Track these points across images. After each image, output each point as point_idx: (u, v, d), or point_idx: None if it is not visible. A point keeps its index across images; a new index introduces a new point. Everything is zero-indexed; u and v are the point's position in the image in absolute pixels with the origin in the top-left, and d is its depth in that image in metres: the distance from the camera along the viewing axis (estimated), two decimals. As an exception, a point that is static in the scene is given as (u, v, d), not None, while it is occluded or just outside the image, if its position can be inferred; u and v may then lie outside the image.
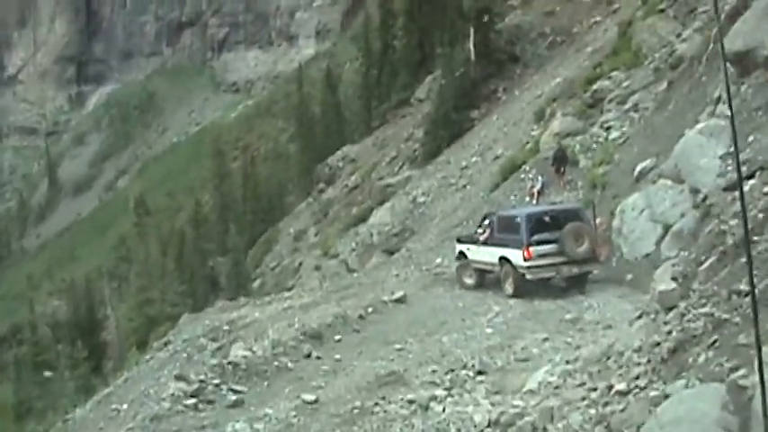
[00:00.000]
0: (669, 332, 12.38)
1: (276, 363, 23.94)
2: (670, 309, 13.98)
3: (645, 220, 30.12)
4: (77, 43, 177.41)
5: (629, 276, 28.75)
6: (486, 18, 63.07)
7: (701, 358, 11.40)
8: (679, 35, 46.26)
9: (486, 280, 31.83)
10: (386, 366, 22.42)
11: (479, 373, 20.47)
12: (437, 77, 66.93)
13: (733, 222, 14.74)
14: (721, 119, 29.64)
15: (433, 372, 21.17)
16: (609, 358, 15.22)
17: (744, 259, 12.06)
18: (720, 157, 28.49)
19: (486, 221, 32.09)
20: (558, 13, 64.47)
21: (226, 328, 31.36)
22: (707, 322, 12.12)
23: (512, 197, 41.79)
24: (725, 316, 11.81)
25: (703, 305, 12.65)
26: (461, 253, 32.94)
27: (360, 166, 72.46)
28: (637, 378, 12.97)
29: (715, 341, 11.51)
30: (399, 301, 29.28)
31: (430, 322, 26.46)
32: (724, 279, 13.23)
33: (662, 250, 28.20)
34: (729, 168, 27.81)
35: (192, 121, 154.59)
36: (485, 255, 31.17)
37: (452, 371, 20.81)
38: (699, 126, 29.81)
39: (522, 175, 42.98)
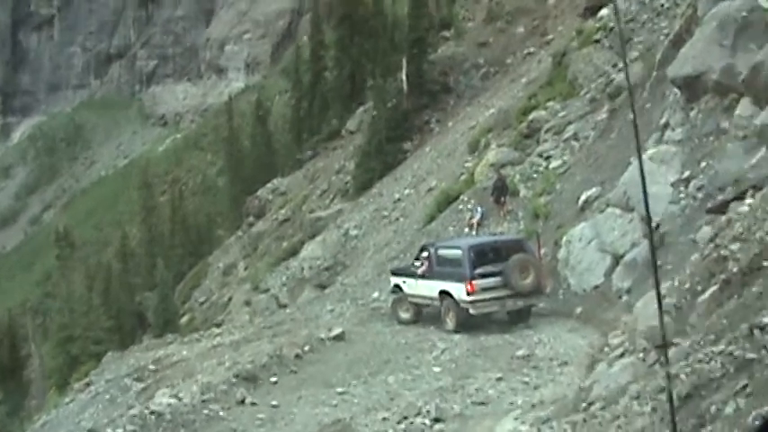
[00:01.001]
0: (676, 375, 10.43)
1: (206, 411, 21.71)
2: (660, 347, 12.06)
3: (593, 251, 28.57)
4: (3, 74, 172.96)
5: (579, 309, 27.12)
6: (418, 49, 61.74)
7: (729, 408, 9.43)
8: (615, 65, 45.66)
9: (422, 314, 30.13)
10: (329, 413, 20.47)
11: (436, 420, 18.47)
12: (369, 109, 66.02)
13: (734, 247, 12.91)
14: (671, 145, 28.12)
15: (384, 420, 19.24)
16: (590, 405, 13.28)
17: (756, 288, 10.30)
18: (672, 185, 27.02)
19: (425, 254, 30.14)
20: (492, 45, 63.66)
21: (152, 367, 29.52)
22: (726, 363, 10.20)
23: (450, 228, 40.09)
24: (750, 355, 9.89)
25: (714, 342, 10.72)
26: (397, 286, 31.32)
27: (290, 198, 70.76)
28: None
29: (745, 386, 9.55)
30: (338, 338, 27.27)
31: (372, 361, 24.54)
32: (735, 311, 11.38)
33: (613, 281, 26.59)
34: (682, 196, 26.34)
35: (119, 153, 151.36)
36: (423, 288, 29.53)
37: (405, 418, 18.81)
38: (648, 153, 28.29)
39: (461, 206, 41.33)
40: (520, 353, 23.28)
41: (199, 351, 30.66)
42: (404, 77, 62.15)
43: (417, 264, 30.46)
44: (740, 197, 14.40)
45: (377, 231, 49.84)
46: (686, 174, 26.76)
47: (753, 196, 14.03)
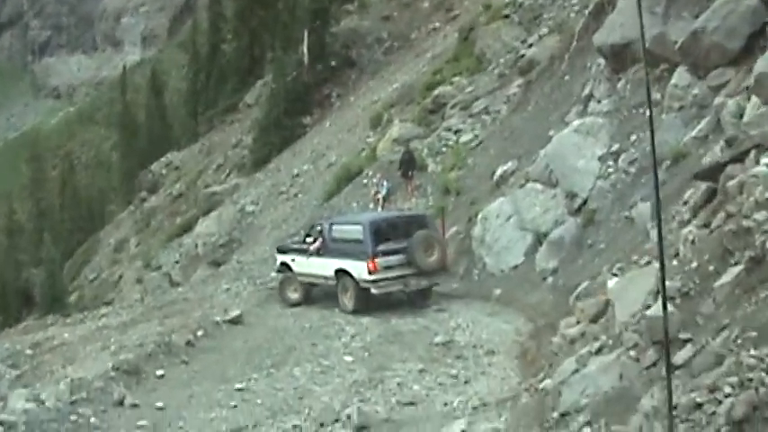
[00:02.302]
0: (714, 387, 7.73)
1: (73, 417, 17.93)
2: (661, 342, 9.33)
3: (512, 228, 26.08)
4: None
5: (498, 291, 24.53)
6: (320, 21, 59.04)
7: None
8: (524, 41, 43.91)
9: (312, 294, 27.46)
10: (228, 418, 17.18)
11: (361, 429, 15.41)
12: (268, 82, 63.69)
13: (760, 216, 10.19)
14: (599, 116, 25.63)
15: (296, 428, 16.15)
16: (564, 415, 10.56)
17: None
18: (599, 158, 24.60)
19: (318, 228, 27.42)
20: (396, 19, 61.57)
21: (29, 352, 25.74)
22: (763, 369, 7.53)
23: (354, 204, 37.48)
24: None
25: (740, 341, 7.96)
26: (284, 264, 28.48)
27: (185, 173, 68.06)
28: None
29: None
30: (234, 321, 23.95)
31: (275, 349, 21.37)
32: None
33: (537, 261, 24.08)
34: (611, 170, 23.93)
35: (10, 126, 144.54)
36: (316, 267, 26.77)
37: (322, 426, 15.69)
38: (574, 124, 25.94)
39: (365, 181, 38.58)
40: (438, 339, 20.55)
41: (82, 333, 27.34)
42: (305, 50, 59.72)
43: (309, 240, 27.63)
44: (738, 159, 11.84)
45: (274, 207, 47.45)
46: (615, 147, 24.45)
47: (758, 156, 11.47)
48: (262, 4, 68.52)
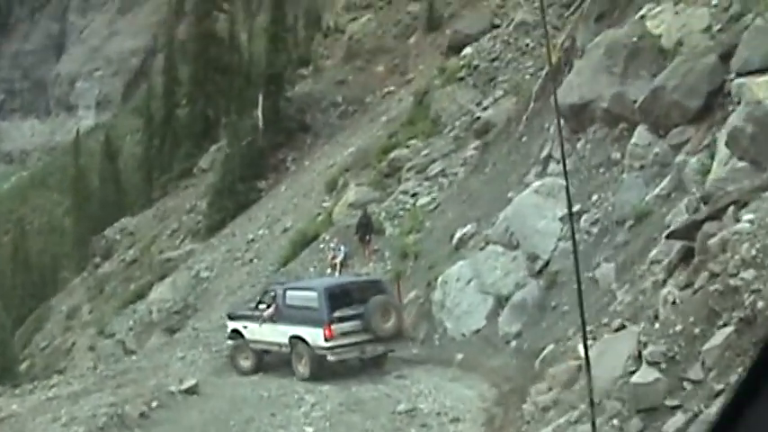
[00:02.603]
0: None
1: None
2: (647, 410, 8.76)
3: (473, 292, 25.61)
4: None
5: (459, 356, 23.97)
6: (275, 85, 59.01)
7: None
8: (479, 103, 44.35)
9: (264, 362, 26.79)
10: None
11: None
12: (222, 147, 62.86)
13: (748, 275, 9.70)
14: (559, 178, 25.30)
15: None
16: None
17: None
18: (560, 219, 24.23)
19: (272, 294, 26.90)
20: (351, 83, 61.35)
21: (-28, 426, 24.61)
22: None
23: (311, 269, 36.85)
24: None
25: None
26: (235, 331, 27.83)
27: (139, 238, 66.67)
28: None
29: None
30: (190, 391, 23.01)
31: (232, 420, 20.52)
32: None
33: (500, 325, 23.54)
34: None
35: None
36: (269, 333, 26.20)
37: None
38: (534, 185, 25.58)
39: (322, 245, 37.97)
40: (401, 407, 19.91)
41: (32, 404, 26.50)
42: (259, 114, 59.47)
43: (262, 307, 26.97)
44: (715, 216, 11.43)
45: (230, 273, 46.49)
46: (576, 207, 23.97)
47: (737, 213, 11.05)
48: (217, 68, 67.84)
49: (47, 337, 67.70)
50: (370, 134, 51.57)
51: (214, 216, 56.69)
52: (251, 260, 45.97)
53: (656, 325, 11.17)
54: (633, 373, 10.58)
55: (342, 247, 35.63)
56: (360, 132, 54.18)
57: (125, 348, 48.69)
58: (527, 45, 46.41)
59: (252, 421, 20.16)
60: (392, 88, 58.17)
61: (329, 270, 35.09)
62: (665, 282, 12.65)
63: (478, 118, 40.75)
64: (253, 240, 48.42)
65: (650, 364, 10.07)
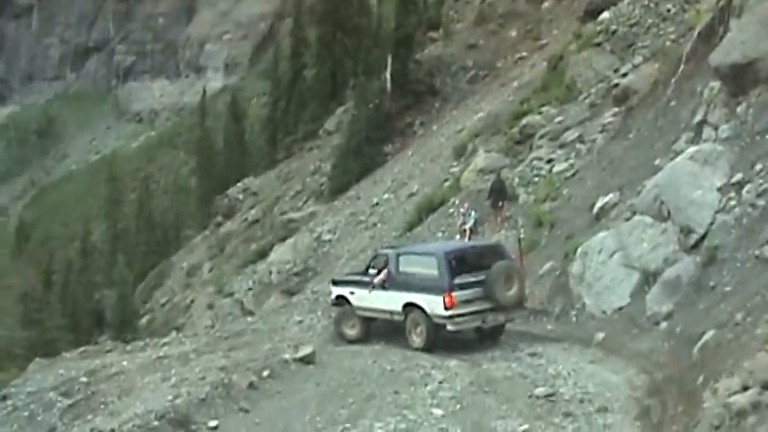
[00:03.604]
0: None
1: None
2: None
3: (616, 266, 23.22)
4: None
5: (600, 335, 21.59)
6: (404, 48, 57.50)
7: None
8: (617, 70, 41.05)
9: (371, 330, 24.96)
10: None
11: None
12: (349, 109, 61.65)
13: None
14: (718, 143, 22.66)
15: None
16: None
17: None
18: (719, 189, 21.61)
19: (383, 259, 25.04)
20: (482, 47, 59.15)
21: (84, 380, 23.37)
22: None
23: (438, 234, 34.71)
24: None
25: None
26: (341, 297, 25.89)
27: (261, 199, 65.96)
28: None
29: None
30: (306, 360, 20.92)
31: (351, 397, 18.32)
32: None
33: (647, 303, 21.02)
34: (732, 203, 20.91)
35: (92, 149, 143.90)
36: (380, 301, 24.22)
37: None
38: (689, 151, 22.95)
39: (451, 210, 35.94)
40: (539, 391, 17.64)
41: (142, 362, 24.79)
42: (388, 76, 57.91)
43: (372, 272, 25.02)
44: None
45: (352, 237, 45.27)
46: (737, 177, 21.42)
47: None
48: (345, 30, 66.39)
49: (167, 294, 67.75)
50: (501, 99, 49.40)
51: (338, 178, 55.64)
52: (374, 224, 44.75)
53: None
54: None
55: (472, 213, 33.44)
56: (490, 97, 52.07)
57: (243, 308, 48.13)
58: (668, 10, 43.53)
59: (372, 398, 18.12)
60: (524, 53, 55.87)
61: (458, 236, 32.97)
62: None
63: (616, 84, 38.19)
64: (377, 204, 47.14)
65: None
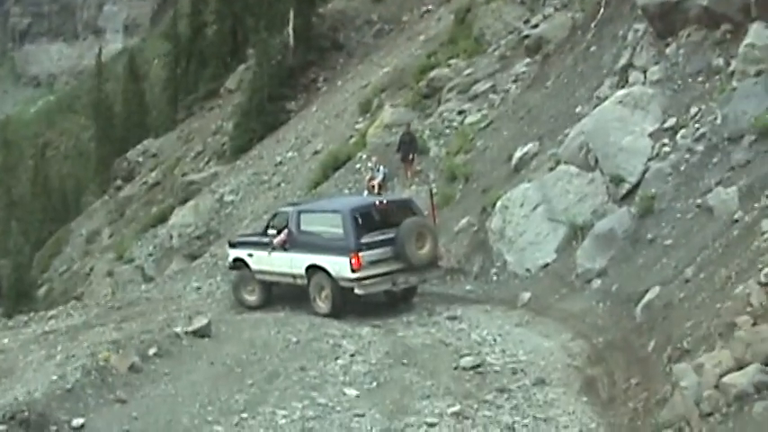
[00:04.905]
0: None
1: None
2: None
3: (540, 219, 21.21)
4: None
5: (526, 295, 19.49)
6: (307, 2, 54.85)
7: None
8: (527, 21, 39.46)
9: (274, 294, 22.84)
10: None
11: None
12: (251, 66, 58.63)
13: None
14: (648, 86, 20.63)
15: None
16: None
17: None
18: (651, 135, 19.61)
19: (283, 218, 22.84)
20: (387, 1, 56.50)
21: (-41, 360, 20.62)
22: None
23: (345, 191, 32.31)
24: None
25: None
26: (239, 260, 23.62)
27: (162, 161, 63.00)
28: None
29: None
30: (199, 333, 18.13)
31: (250, 377, 15.49)
32: None
33: (577, 260, 19.00)
34: (667, 149, 18.92)
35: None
36: (280, 263, 22.05)
37: None
38: (618, 95, 20.92)
39: (358, 165, 33.68)
40: (466, 361, 15.38)
41: (25, 339, 22.30)
42: (290, 31, 54.97)
43: (271, 232, 22.68)
44: None
45: (255, 197, 42.91)
46: (671, 122, 19.45)
47: None
48: (245, -16, 63.30)
49: (66, 262, 64.18)
50: (408, 54, 47.27)
51: (240, 138, 52.96)
52: (278, 184, 42.45)
53: None
54: None
55: (381, 167, 31.19)
56: (396, 52, 49.83)
57: (144, 275, 45.35)
58: (581, -39, 41.99)
59: (275, 377, 15.35)
60: (431, 6, 53.78)
61: (366, 192, 30.62)
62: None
63: (527, 36, 36.50)
64: (281, 163, 44.78)
65: None
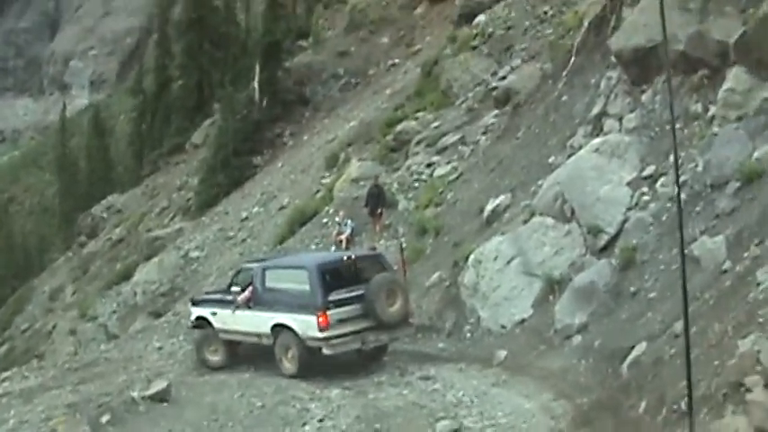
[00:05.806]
0: None
1: None
2: None
3: (515, 273, 20.31)
4: None
5: (502, 353, 18.47)
6: (272, 56, 54.29)
7: None
8: (494, 73, 39.12)
9: (239, 354, 21.83)
10: None
11: None
12: (216, 121, 58.18)
13: None
14: (624, 134, 19.89)
15: None
16: None
17: None
18: (629, 184, 18.81)
19: (247, 274, 21.88)
20: (353, 54, 56.36)
21: None
22: None
23: (312, 247, 31.37)
24: None
25: None
26: (202, 319, 22.56)
27: (126, 217, 61.82)
28: None
29: None
30: (158, 397, 17.05)
31: None
32: None
33: (556, 315, 18.06)
34: (647, 198, 18.12)
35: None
36: (245, 322, 21.05)
37: None
38: (594, 143, 20.17)
39: (325, 219, 32.77)
40: (443, 426, 14.29)
41: (-24, 401, 20.95)
42: (256, 86, 54.28)
43: (235, 289, 21.67)
44: None
45: (221, 253, 41.81)
46: (649, 170, 18.67)
47: None
48: (212, 40, 62.87)
49: (28, 320, 62.49)
50: (374, 107, 46.85)
51: (206, 193, 52.05)
52: (244, 240, 41.57)
53: None
54: None
55: (348, 222, 30.23)
56: (362, 105, 49.40)
57: (107, 333, 44.12)
58: (545, 13, 41.99)
59: None
60: (397, 60, 53.19)
61: (333, 248, 29.65)
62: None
63: (495, 88, 36.05)
64: (246, 219, 43.94)
65: None
